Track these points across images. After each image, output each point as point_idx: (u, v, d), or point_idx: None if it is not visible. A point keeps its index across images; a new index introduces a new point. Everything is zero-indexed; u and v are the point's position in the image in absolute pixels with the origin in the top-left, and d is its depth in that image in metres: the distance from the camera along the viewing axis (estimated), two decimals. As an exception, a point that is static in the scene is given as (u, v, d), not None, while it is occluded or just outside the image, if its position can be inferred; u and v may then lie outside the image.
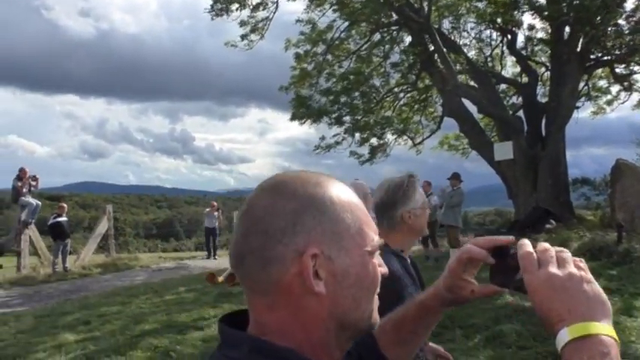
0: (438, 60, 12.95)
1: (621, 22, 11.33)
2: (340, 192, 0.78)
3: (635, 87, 14.93)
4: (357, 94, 14.72)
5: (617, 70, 14.35)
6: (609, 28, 11.15)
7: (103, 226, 14.74)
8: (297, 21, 14.57)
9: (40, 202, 13.17)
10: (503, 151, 12.25)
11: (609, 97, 15.87)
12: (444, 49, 12.21)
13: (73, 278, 12.39)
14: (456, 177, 10.25)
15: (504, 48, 15.62)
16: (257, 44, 14.66)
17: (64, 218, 12.95)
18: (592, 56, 12.53)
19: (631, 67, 14.15)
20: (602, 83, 15.78)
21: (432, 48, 14.17)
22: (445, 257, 11.24)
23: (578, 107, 13.88)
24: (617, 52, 12.05)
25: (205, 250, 17.34)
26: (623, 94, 15.55)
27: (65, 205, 13.37)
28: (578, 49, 12.17)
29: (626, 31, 11.30)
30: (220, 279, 9.65)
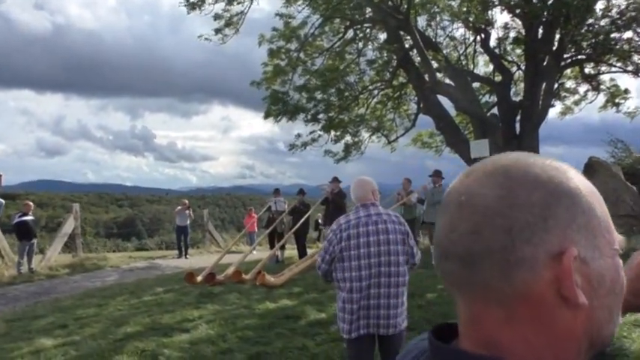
0: (417, 57, 12.95)
1: (594, 20, 11.55)
2: (581, 178, 0.63)
3: (602, 87, 15.27)
4: (332, 90, 14.59)
5: (587, 70, 14.67)
6: (584, 27, 11.36)
7: (70, 225, 14.22)
8: (277, 15, 14.35)
9: (2, 201, 12.56)
10: (480, 148, 12.30)
11: (577, 97, 16.18)
12: (422, 47, 12.20)
13: (39, 280, 11.87)
14: (437, 174, 10.25)
15: (477, 47, 15.79)
16: (231, 38, 14.36)
17: (30, 217, 12.39)
18: (566, 55, 12.74)
19: (599, 68, 14.48)
20: (570, 83, 16.09)
21: (408, 45, 14.21)
22: (426, 254, 11.27)
23: (553, 106, 14.15)
24: (590, 51, 12.29)
25: (176, 249, 16.95)
26: (590, 94, 15.88)
27: (31, 204, 12.78)
28: (554, 48, 12.36)
29: (602, 30, 11.51)
30: (199, 279, 9.42)
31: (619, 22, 10.96)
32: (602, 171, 11.54)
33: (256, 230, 18.25)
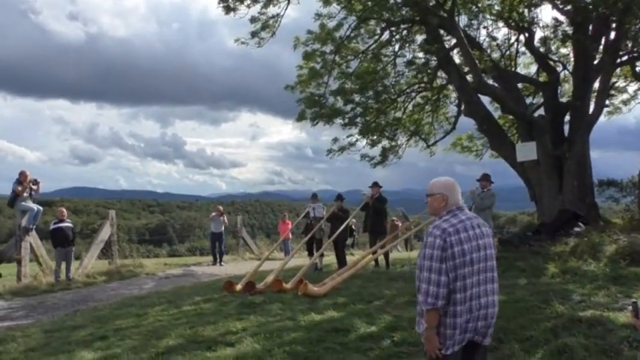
0: (461, 57, 12.48)
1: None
2: None
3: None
4: (370, 93, 14.22)
5: (638, 69, 13.95)
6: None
7: (106, 232, 14.14)
8: (316, 14, 14.06)
9: (41, 208, 12.53)
10: (527, 151, 11.81)
11: (626, 96, 15.46)
12: (467, 46, 11.73)
13: (77, 287, 11.77)
14: (486, 178, 9.76)
15: (519, 47, 15.23)
16: (267, 41, 14.10)
17: (67, 224, 12.30)
18: (621, 52, 12.10)
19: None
20: (619, 82, 15.36)
21: (448, 46, 13.76)
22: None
23: (607, 106, 13.50)
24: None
25: (210, 256, 16.76)
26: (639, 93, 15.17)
27: (64, 210, 12.71)
28: (603, 45, 11.77)
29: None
30: (238, 287, 9.13)
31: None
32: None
33: (290, 237, 17.96)
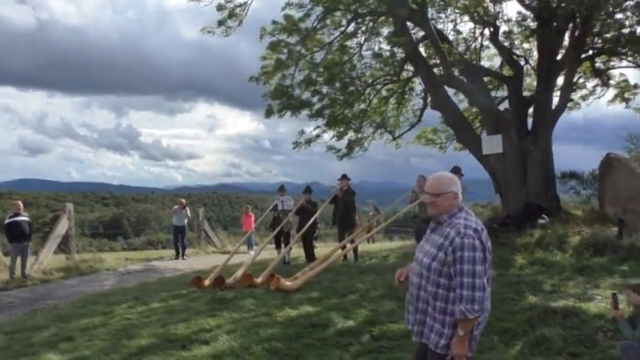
0: (427, 50, 12.50)
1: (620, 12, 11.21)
2: None
3: (611, 82, 14.96)
4: (337, 85, 14.10)
5: (597, 65, 14.31)
6: (609, 19, 11.01)
7: (63, 226, 13.58)
8: (287, 4, 13.80)
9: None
10: (493, 144, 11.97)
11: (585, 91, 15.83)
12: (437, 39, 11.76)
13: (33, 284, 11.25)
14: (456, 170, 9.81)
15: (483, 40, 15.40)
16: (234, 30, 13.78)
17: (23, 217, 11.72)
18: (585, 47, 12.36)
19: (611, 62, 14.16)
20: (578, 78, 15.73)
21: (416, 38, 13.78)
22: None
23: (572, 100, 13.80)
24: (612, 44, 11.92)
25: (173, 250, 16.37)
26: (598, 89, 15.57)
27: (21, 203, 12.11)
28: (567, 40, 12.02)
29: (630, 22, 11.18)
30: (207, 283, 8.88)
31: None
32: (620, 167, 11.20)
33: (253, 230, 17.71)
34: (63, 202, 14.65)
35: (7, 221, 11.64)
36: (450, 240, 2.86)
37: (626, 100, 14.68)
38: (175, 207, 16.11)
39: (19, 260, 11.60)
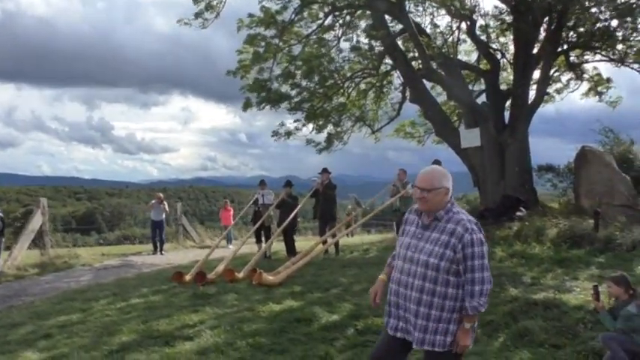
0: (404, 43, 12.51)
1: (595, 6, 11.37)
2: None
3: (584, 76, 15.20)
4: (316, 78, 14.06)
5: (571, 58, 14.52)
6: (586, 13, 11.17)
7: (37, 221, 13.27)
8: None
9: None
10: (471, 138, 12.07)
11: (559, 85, 16.06)
12: (416, 32, 11.78)
13: (7, 281, 10.98)
14: (437, 164, 9.85)
15: (460, 34, 15.49)
16: (212, 22, 13.61)
17: (-5, 213, 11.45)
18: (561, 41, 12.52)
19: (584, 56, 14.39)
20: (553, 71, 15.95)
21: (394, 31, 13.79)
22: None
23: (547, 94, 13.96)
24: (587, 38, 12.10)
25: (150, 245, 16.16)
26: (572, 82, 15.82)
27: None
28: (543, 34, 12.14)
29: (604, 16, 11.36)
30: (188, 278, 8.81)
31: (620, 8, 10.73)
32: (595, 160, 11.38)
33: (232, 224, 17.60)
34: (34, 196, 14.29)
35: (-22, 217, 11.35)
36: (459, 237, 2.79)
37: (599, 94, 14.95)
38: (153, 201, 15.91)
39: (-8, 257, 11.33)
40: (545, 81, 12.54)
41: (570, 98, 16.47)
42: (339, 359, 4.90)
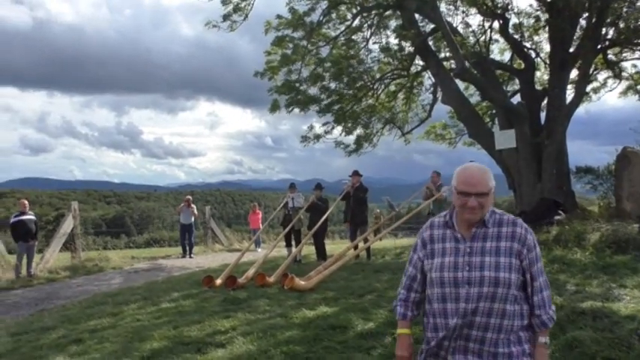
0: (435, 43, 12.22)
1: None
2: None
3: (623, 74, 14.71)
4: (346, 80, 13.86)
5: (609, 56, 14.04)
6: (629, 9, 10.76)
7: (68, 224, 13.38)
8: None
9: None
10: (506, 139, 11.69)
11: (596, 84, 15.57)
12: (450, 31, 11.48)
13: (39, 284, 11.08)
14: (472, 165, 9.57)
15: (492, 33, 15.13)
16: (240, 25, 13.53)
17: (29, 216, 11.54)
18: (601, 38, 12.08)
19: (623, 53, 13.91)
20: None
21: (425, 31, 13.52)
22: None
23: (587, 93, 13.53)
24: (626, 34, 11.65)
25: (180, 248, 16.16)
26: (609, 81, 15.32)
27: (26, 202, 11.91)
28: (581, 32, 11.74)
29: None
30: (219, 282, 8.68)
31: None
32: (638, 162, 10.93)
33: (260, 227, 17.51)
34: (66, 200, 14.44)
35: (12, 220, 11.47)
36: (522, 239, 2.31)
37: (639, 93, 14.42)
38: (181, 205, 15.92)
39: (24, 259, 11.41)
40: (584, 80, 12.09)
41: (600, 99, 15.93)
42: (378, 369, 4.67)
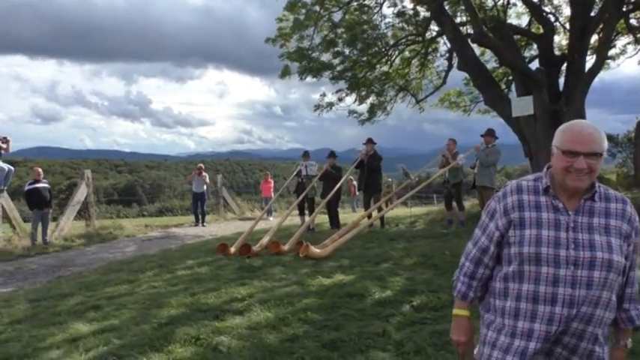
0: (452, 7, 11.86)
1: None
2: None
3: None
4: (360, 46, 13.57)
5: (631, 21, 13.59)
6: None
7: (82, 192, 13.41)
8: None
9: (12, 167, 11.70)
10: (523, 106, 11.42)
11: (614, 51, 15.13)
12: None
13: (55, 251, 11.16)
14: (490, 134, 9.39)
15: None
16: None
17: (43, 184, 11.55)
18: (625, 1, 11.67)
19: (646, 18, 13.47)
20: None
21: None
22: (473, 222, 10.50)
23: (610, 58, 13.17)
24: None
25: (193, 216, 16.21)
26: (630, 47, 14.89)
27: (40, 170, 11.91)
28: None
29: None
30: (233, 250, 8.68)
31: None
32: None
33: (272, 196, 17.49)
34: (77, 169, 14.49)
35: (26, 188, 11.49)
36: (632, 222, 1.96)
37: (661, 60, 14.02)
38: (193, 173, 15.92)
39: (39, 227, 11.48)
40: (606, 45, 11.71)
41: (614, 68, 15.48)
42: (398, 337, 4.62)
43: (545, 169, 2.06)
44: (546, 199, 1.97)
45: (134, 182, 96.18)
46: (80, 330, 5.21)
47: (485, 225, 2.10)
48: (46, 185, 11.67)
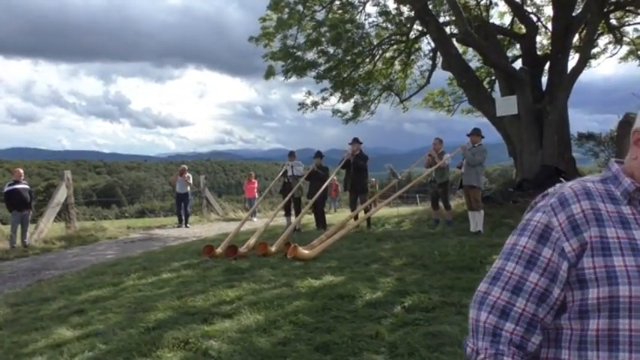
0: (441, 7, 11.87)
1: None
2: None
3: (624, 39, 14.48)
4: (344, 45, 13.52)
5: (611, 21, 13.78)
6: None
7: (62, 194, 13.14)
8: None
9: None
10: (507, 106, 11.51)
11: (596, 50, 15.31)
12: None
13: (34, 254, 10.89)
14: (476, 133, 9.37)
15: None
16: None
17: (23, 185, 11.28)
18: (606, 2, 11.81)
19: (626, 18, 13.66)
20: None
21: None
22: (460, 221, 10.49)
23: (593, 57, 13.30)
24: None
25: (176, 217, 16.00)
26: (610, 47, 15.10)
27: (21, 171, 11.63)
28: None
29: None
30: (219, 251, 8.55)
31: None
32: (641, 128, 10.80)
33: (256, 196, 17.37)
34: (55, 170, 14.20)
35: (6, 189, 11.22)
36: None
37: (640, 57, 14.24)
38: (175, 174, 15.74)
39: (19, 229, 11.21)
40: (589, 44, 11.84)
41: (589, 69, 15.70)
42: (391, 339, 4.56)
43: (614, 166, 1.31)
44: (632, 209, 1.18)
45: (113, 183, 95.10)
46: (64, 335, 5.06)
47: (532, 252, 1.19)
48: (26, 186, 11.41)
